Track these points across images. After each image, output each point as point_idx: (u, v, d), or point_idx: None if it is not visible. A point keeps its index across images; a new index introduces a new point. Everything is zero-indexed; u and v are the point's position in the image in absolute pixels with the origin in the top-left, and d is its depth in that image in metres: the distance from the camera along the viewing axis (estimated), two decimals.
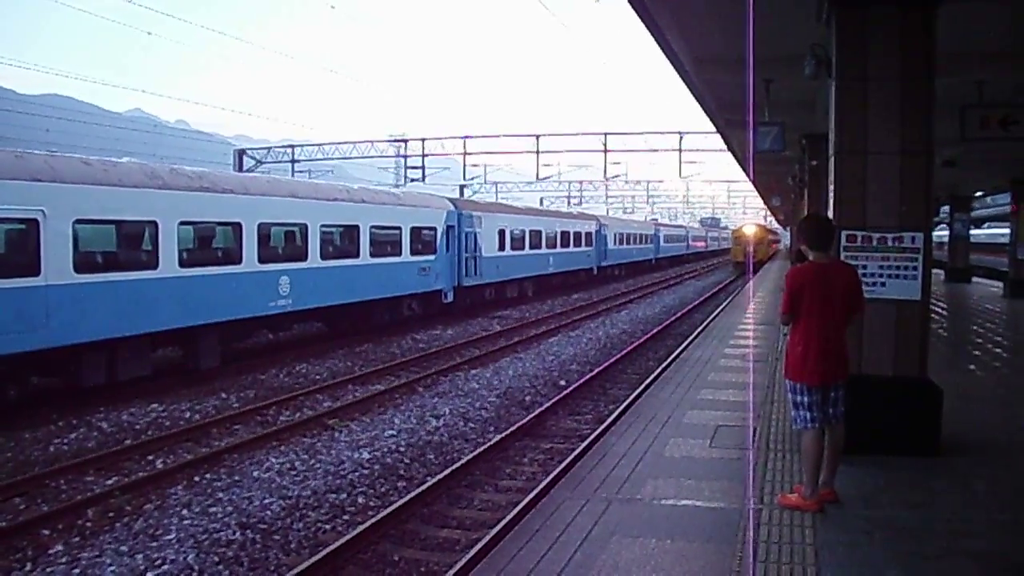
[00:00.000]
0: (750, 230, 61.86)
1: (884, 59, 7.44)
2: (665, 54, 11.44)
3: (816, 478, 6.26)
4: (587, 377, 15.98)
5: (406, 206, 24.10)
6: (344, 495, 9.40)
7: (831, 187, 7.84)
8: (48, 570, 7.30)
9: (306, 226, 18.79)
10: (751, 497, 6.56)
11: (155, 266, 14.52)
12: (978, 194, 36.39)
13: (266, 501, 9.08)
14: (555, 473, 9.08)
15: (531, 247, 34.34)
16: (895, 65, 7.42)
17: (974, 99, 11.90)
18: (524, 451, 11.23)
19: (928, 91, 7.44)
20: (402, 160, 47.42)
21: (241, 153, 44.97)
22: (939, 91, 7.53)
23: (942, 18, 7.38)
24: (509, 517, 7.78)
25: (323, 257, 19.28)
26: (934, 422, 7.56)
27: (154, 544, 7.88)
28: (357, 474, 10.15)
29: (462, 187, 49.31)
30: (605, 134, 40.71)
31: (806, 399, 6.15)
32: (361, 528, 7.96)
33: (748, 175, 33.97)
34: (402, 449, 11.27)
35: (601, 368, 16.99)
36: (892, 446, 7.44)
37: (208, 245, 16.70)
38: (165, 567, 7.36)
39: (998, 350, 14.66)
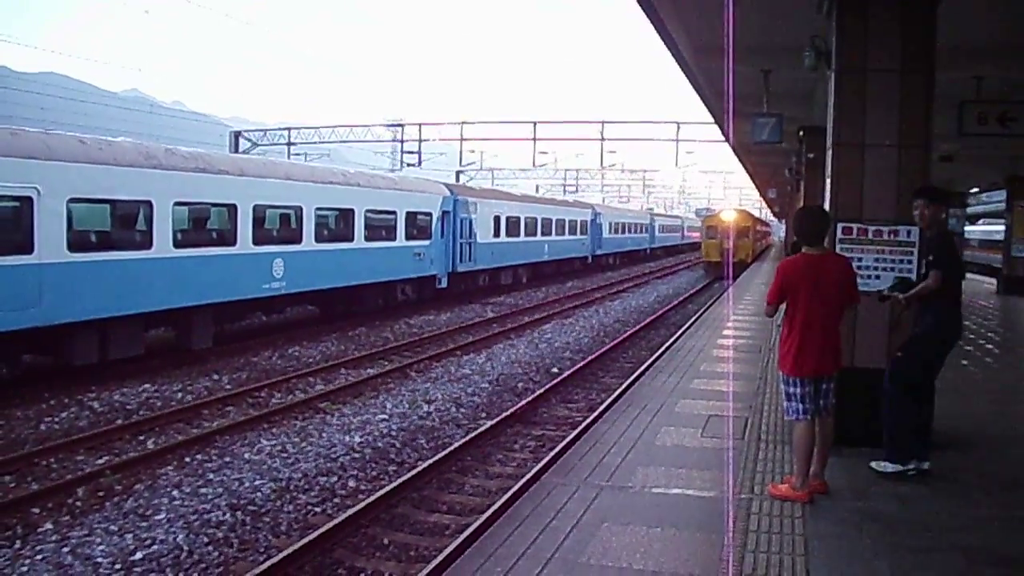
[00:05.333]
0: (729, 217, 45.61)
1: (884, 51, 7.42)
2: (664, 43, 11.39)
3: (807, 469, 6.27)
4: (580, 365, 16.00)
5: (402, 191, 24.05)
6: (335, 478, 9.41)
7: (828, 179, 7.83)
8: (37, 548, 7.29)
9: (301, 209, 18.75)
10: (730, 485, 6.58)
11: (149, 246, 14.48)
12: (973, 190, 36.42)
13: (257, 483, 9.08)
14: (546, 460, 9.09)
15: (526, 234, 34.33)
16: (895, 57, 7.40)
17: (972, 95, 11.88)
18: (516, 437, 11.24)
19: (928, 84, 7.42)
20: (398, 145, 47.30)
21: (237, 135, 44.75)
22: (937, 86, 7.51)
23: (942, 12, 7.36)
24: (500, 503, 7.80)
25: (317, 240, 19.26)
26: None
27: (144, 524, 7.87)
28: (348, 457, 10.15)
29: (458, 173, 49.20)
30: (602, 122, 40.62)
31: (798, 390, 6.16)
32: (351, 511, 7.96)
33: (744, 165, 33.93)
34: (393, 433, 11.27)
35: (594, 356, 17.01)
36: (883, 439, 7.45)
37: (203, 226, 16.66)
38: (155, 547, 7.36)
39: (990, 346, 14.69)
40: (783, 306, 6.34)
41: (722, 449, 7.71)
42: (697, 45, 11.81)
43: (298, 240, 18.63)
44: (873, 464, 6.85)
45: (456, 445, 10.35)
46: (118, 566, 7.00)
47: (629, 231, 56.33)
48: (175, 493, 8.72)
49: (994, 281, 29.15)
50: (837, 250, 7.29)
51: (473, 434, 10.90)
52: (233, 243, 16.58)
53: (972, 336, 15.77)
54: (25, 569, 6.90)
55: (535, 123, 40.76)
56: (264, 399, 13.12)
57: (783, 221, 60.16)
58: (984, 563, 5.28)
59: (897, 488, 6.56)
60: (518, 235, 33.37)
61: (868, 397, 7.30)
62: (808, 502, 6.15)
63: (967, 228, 38.25)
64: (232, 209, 16.61)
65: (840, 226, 7.50)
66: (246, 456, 10.09)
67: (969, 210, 39.83)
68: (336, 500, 8.79)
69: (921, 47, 7.39)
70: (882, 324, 7.51)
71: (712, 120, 20.69)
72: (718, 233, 44.06)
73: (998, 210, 39.35)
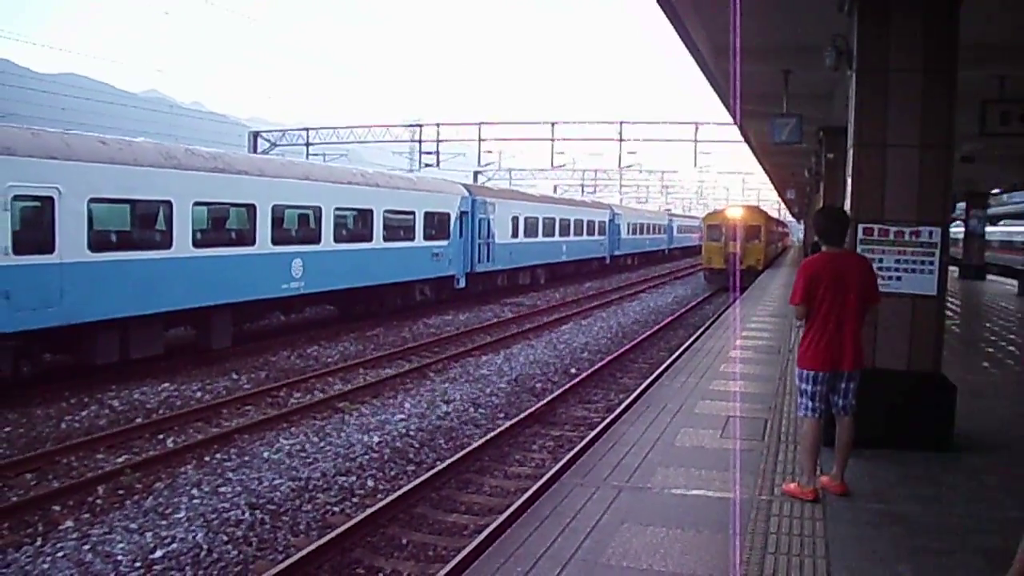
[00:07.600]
0: (736, 214, 36.18)
1: (906, 51, 7.37)
2: (684, 43, 11.37)
3: (813, 467, 6.26)
4: (598, 365, 15.97)
5: (420, 191, 24.09)
6: (353, 478, 9.42)
7: (849, 179, 7.78)
8: (58, 546, 7.34)
9: (320, 209, 18.82)
10: (738, 486, 6.55)
11: (169, 246, 14.57)
12: (995, 191, 36.13)
13: (276, 482, 9.11)
14: (565, 460, 9.08)
15: (544, 235, 34.31)
16: (917, 57, 7.35)
17: (995, 94, 11.78)
18: (534, 438, 11.23)
19: (950, 83, 7.36)
20: (417, 145, 47.35)
21: (256, 135, 44.93)
22: (959, 84, 7.46)
23: (965, 10, 7.30)
24: (519, 503, 7.80)
25: (336, 240, 19.31)
26: (947, 417, 7.51)
27: (163, 522, 7.92)
28: (367, 457, 10.17)
29: (476, 173, 49.23)
30: (620, 123, 40.59)
31: (809, 387, 6.16)
32: (370, 511, 7.98)
33: (763, 166, 33.80)
34: (412, 433, 11.28)
35: (612, 357, 16.98)
36: (905, 440, 7.41)
37: (222, 226, 16.76)
38: (174, 545, 7.39)
39: (1012, 348, 14.57)
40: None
41: (742, 450, 7.68)
42: (717, 45, 11.76)
43: (317, 240, 18.69)
44: None
45: (474, 445, 10.35)
46: (138, 564, 7.04)
47: (647, 232, 56.22)
48: (194, 492, 8.76)
49: (1015, 283, 28.89)
50: (858, 251, 7.25)
51: (491, 434, 10.89)
52: (252, 243, 16.65)
53: (993, 338, 15.66)
54: (47, 566, 6.95)
55: (553, 124, 40.88)
56: (283, 399, 13.16)
57: (802, 222, 59.67)
58: (1007, 566, 5.22)
59: (918, 490, 6.51)
60: (536, 235, 33.36)
61: (889, 398, 7.26)
62: (815, 500, 6.12)
63: (988, 229, 37.87)
64: (251, 209, 16.68)
65: (861, 227, 7.45)
66: (265, 455, 10.13)
67: (990, 211, 39.48)
68: (355, 500, 8.80)
69: (943, 46, 7.33)
70: (905, 326, 7.47)
71: (731, 121, 20.64)
72: (722, 234, 35.36)
73: (1020, 211, 39.09)
